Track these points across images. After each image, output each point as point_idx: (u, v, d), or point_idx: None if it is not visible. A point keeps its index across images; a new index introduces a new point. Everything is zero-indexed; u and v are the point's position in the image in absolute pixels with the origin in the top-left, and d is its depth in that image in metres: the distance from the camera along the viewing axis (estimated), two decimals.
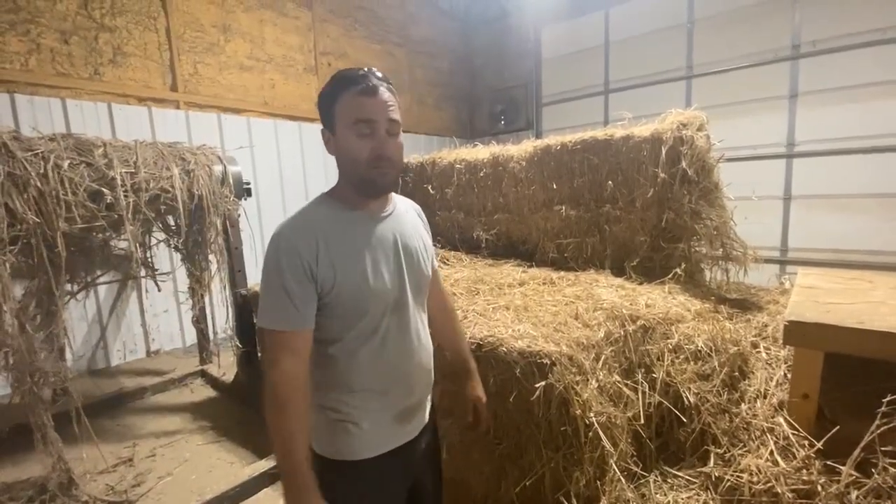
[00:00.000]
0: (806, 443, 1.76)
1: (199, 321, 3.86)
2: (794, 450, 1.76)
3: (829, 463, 1.66)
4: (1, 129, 2.23)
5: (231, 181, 3.17)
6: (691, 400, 2.02)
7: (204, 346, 4.01)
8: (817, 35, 4.75)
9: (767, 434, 1.88)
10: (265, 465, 2.51)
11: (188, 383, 3.85)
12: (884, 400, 1.56)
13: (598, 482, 1.73)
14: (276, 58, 5.29)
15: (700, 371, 2.15)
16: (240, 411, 3.30)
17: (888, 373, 1.74)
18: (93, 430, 2.40)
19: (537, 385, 1.71)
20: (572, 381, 1.73)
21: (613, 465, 1.74)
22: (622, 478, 1.76)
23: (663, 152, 2.79)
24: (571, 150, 3.24)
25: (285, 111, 5.39)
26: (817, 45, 4.76)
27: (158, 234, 3.35)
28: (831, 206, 4.83)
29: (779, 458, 1.75)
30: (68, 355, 3.12)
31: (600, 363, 1.88)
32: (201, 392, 3.72)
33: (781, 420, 1.88)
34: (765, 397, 2.08)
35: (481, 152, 4.02)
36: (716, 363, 2.16)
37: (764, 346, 2.40)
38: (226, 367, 3.74)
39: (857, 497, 1.52)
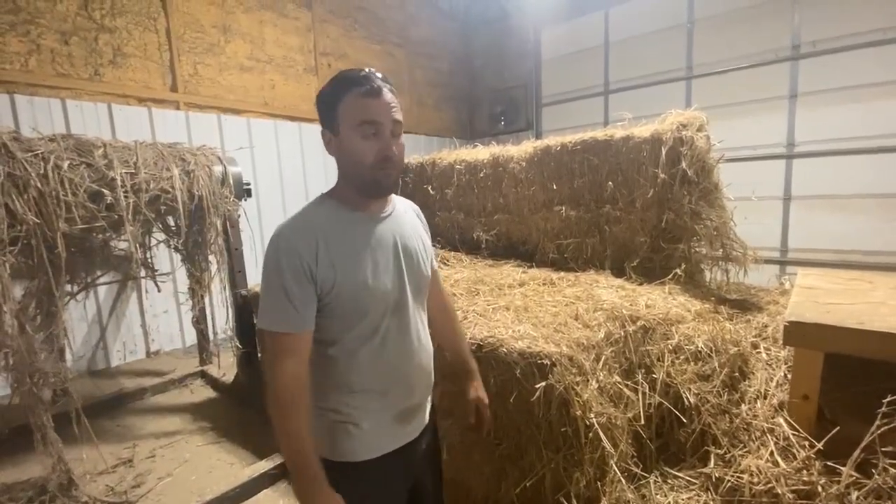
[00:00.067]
0: (806, 443, 1.76)
1: (199, 322, 3.86)
2: (795, 450, 1.76)
3: (829, 464, 1.66)
4: (1, 130, 2.23)
5: (231, 182, 3.17)
6: (691, 400, 2.02)
7: (204, 346, 4.01)
8: (817, 35, 4.76)
9: (768, 435, 1.88)
10: (265, 465, 2.50)
11: (188, 384, 3.85)
12: (884, 400, 1.56)
13: (599, 483, 1.73)
14: (276, 58, 5.29)
15: (700, 372, 2.15)
16: (240, 412, 3.30)
17: (888, 373, 1.74)
18: (93, 430, 2.39)
19: (537, 386, 1.71)
20: (572, 381, 1.73)
21: (614, 465, 1.74)
22: (622, 478, 1.76)
23: (663, 153, 2.79)
24: (571, 151, 3.24)
25: (285, 112, 5.39)
26: (817, 46, 4.76)
27: (158, 235, 3.35)
28: (831, 206, 4.83)
29: (779, 459, 1.75)
30: (68, 356, 3.12)
31: (600, 364, 1.88)
32: (201, 393, 3.72)
33: (782, 421, 1.88)
34: (765, 398, 2.08)
35: (481, 153, 4.02)
36: (716, 364, 2.16)
37: (764, 347, 2.40)
38: (226, 367, 3.74)
39: (858, 498, 1.52)
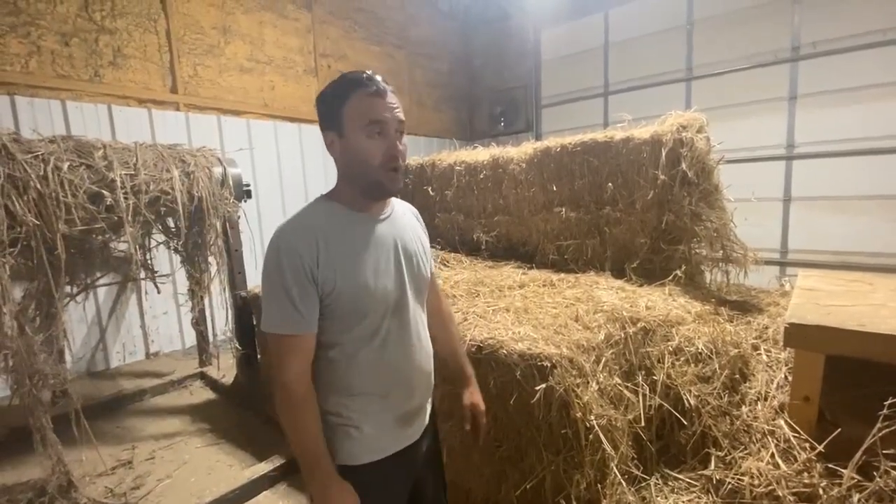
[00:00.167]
0: (807, 445, 1.75)
1: (199, 323, 3.86)
2: (796, 452, 1.76)
3: (830, 466, 1.65)
4: (1, 131, 2.23)
5: (231, 183, 3.17)
6: (692, 402, 2.02)
7: (203, 348, 4.00)
8: (817, 37, 4.76)
9: (768, 437, 1.87)
10: (265, 467, 2.50)
11: (188, 385, 3.84)
12: (885, 403, 1.55)
13: (599, 485, 1.73)
14: (276, 59, 5.30)
15: (700, 373, 2.15)
16: (239, 413, 3.30)
17: (889, 375, 1.73)
18: (92, 432, 2.39)
19: (538, 388, 1.70)
20: (573, 383, 1.72)
21: (614, 467, 1.74)
22: (623, 481, 1.76)
23: (663, 154, 2.79)
24: (571, 152, 3.24)
25: (285, 113, 5.40)
26: (817, 47, 4.76)
27: (158, 236, 3.35)
28: (831, 207, 4.83)
29: (780, 461, 1.75)
30: (68, 357, 3.12)
31: (601, 365, 1.87)
32: (201, 394, 3.72)
33: (782, 422, 1.88)
34: (765, 400, 2.08)
35: (481, 154, 4.02)
36: (716, 365, 2.16)
37: (764, 349, 2.40)
38: (225, 369, 3.74)
39: (859, 500, 1.52)
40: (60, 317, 2.39)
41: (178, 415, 3.34)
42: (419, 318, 1.25)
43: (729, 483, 1.76)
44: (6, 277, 2.11)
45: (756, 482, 1.71)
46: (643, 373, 2.04)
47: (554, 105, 6.99)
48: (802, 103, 4.93)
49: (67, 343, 2.66)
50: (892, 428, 1.52)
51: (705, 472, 1.88)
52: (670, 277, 2.76)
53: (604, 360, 1.90)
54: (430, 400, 1.32)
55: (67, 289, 2.80)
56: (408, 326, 1.19)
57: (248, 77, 5.04)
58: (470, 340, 1.96)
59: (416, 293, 1.23)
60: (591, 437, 1.71)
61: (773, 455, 1.78)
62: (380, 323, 1.13)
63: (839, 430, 1.70)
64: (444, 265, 3.53)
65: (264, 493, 2.44)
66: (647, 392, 1.97)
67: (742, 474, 1.77)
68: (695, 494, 1.83)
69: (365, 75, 1.08)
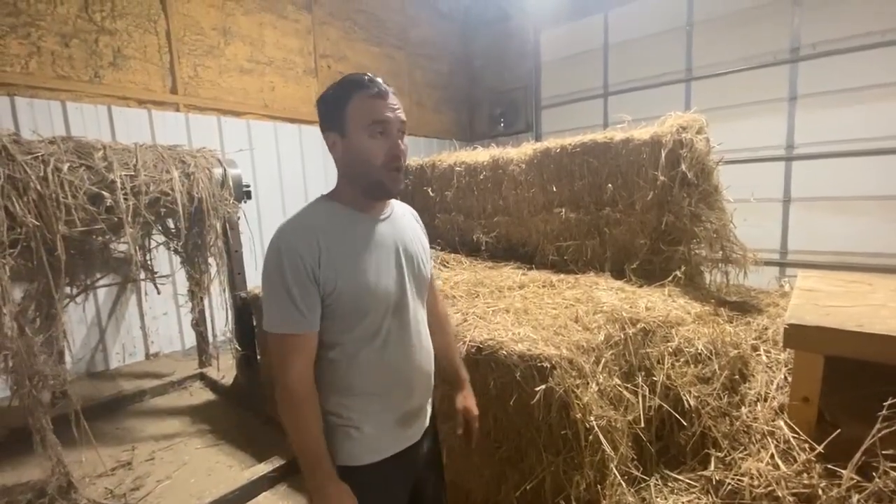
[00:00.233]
0: (806, 446, 1.76)
1: (199, 324, 3.86)
2: (795, 453, 1.76)
3: (829, 466, 1.65)
4: (1, 132, 2.23)
5: (231, 184, 3.17)
6: (691, 403, 2.02)
7: (203, 348, 4.00)
8: (816, 38, 4.76)
9: (768, 437, 1.88)
10: (264, 468, 2.50)
11: (187, 386, 3.84)
12: (884, 403, 1.56)
13: (599, 486, 1.73)
14: (276, 60, 5.30)
15: (700, 374, 2.15)
16: (239, 414, 3.30)
17: (888, 376, 1.74)
18: (92, 433, 2.39)
19: (537, 388, 1.70)
20: (572, 384, 1.73)
21: (614, 468, 1.74)
22: (622, 482, 1.76)
23: (663, 155, 2.79)
24: (571, 153, 3.24)
25: (285, 114, 5.40)
26: (817, 48, 4.77)
27: (158, 237, 3.36)
28: (831, 208, 4.83)
29: (779, 462, 1.75)
30: (67, 358, 3.12)
31: (600, 366, 1.87)
32: (200, 395, 3.72)
33: (782, 423, 1.88)
34: (765, 400, 2.08)
35: (481, 155, 4.02)
36: (716, 366, 2.16)
37: (764, 349, 2.40)
38: (225, 369, 3.74)
39: (858, 501, 1.52)
40: (60, 318, 2.40)
41: (178, 416, 3.34)
42: (420, 318, 1.26)
43: (729, 484, 1.76)
44: (6, 278, 2.11)
45: (756, 483, 1.71)
46: (643, 374, 2.04)
47: (554, 106, 7.00)
48: (802, 104, 4.93)
49: (67, 344, 2.66)
50: (892, 428, 1.52)
51: (705, 472, 1.88)
52: (670, 278, 2.76)
53: (603, 360, 1.90)
54: (430, 401, 1.32)
55: (67, 290, 2.80)
56: (408, 326, 1.19)
57: (248, 78, 5.04)
58: (470, 341, 1.96)
59: (417, 293, 1.24)
60: (590, 437, 1.71)
61: (772, 456, 1.78)
62: (380, 323, 1.13)
63: (838, 430, 1.70)
64: (444, 266, 3.53)
65: (264, 493, 2.44)
66: (647, 393, 1.97)
67: (742, 475, 1.77)
68: (694, 495, 1.83)
69: (367, 77, 1.09)
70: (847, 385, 1.99)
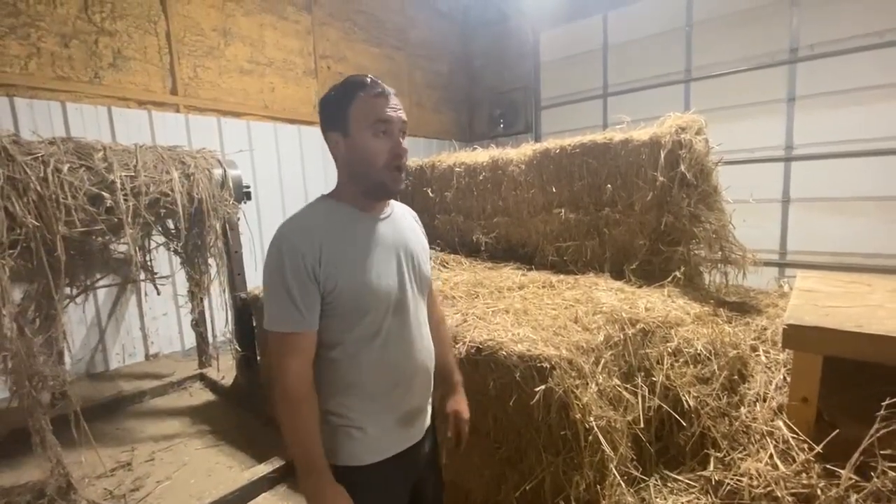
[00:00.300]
0: (805, 446, 1.76)
1: (199, 324, 3.86)
2: (794, 453, 1.76)
3: (828, 466, 1.66)
4: (1, 133, 2.23)
5: (231, 185, 3.17)
6: (691, 403, 2.02)
7: (203, 349, 4.00)
8: (815, 39, 4.77)
9: (767, 438, 1.88)
10: (264, 469, 2.50)
11: (187, 387, 3.84)
12: (883, 403, 1.56)
13: (598, 486, 1.73)
14: (276, 61, 5.30)
15: (699, 374, 2.15)
16: (239, 415, 3.30)
17: (887, 376, 1.74)
18: (91, 433, 2.39)
19: (537, 389, 1.71)
20: (572, 384, 1.73)
21: (613, 469, 1.74)
22: (622, 482, 1.76)
23: (662, 156, 2.80)
24: (570, 154, 3.25)
25: (285, 115, 5.40)
26: (815, 49, 4.78)
27: (158, 238, 3.36)
28: (830, 209, 4.84)
29: (778, 462, 1.75)
30: (67, 359, 3.12)
31: (600, 367, 1.88)
32: (200, 396, 3.72)
33: (781, 424, 1.88)
34: (764, 401, 2.08)
35: (480, 155, 4.03)
36: (715, 367, 2.16)
37: (763, 350, 2.41)
38: (225, 370, 3.74)
39: (857, 501, 1.52)
40: (60, 318, 2.40)
41: (178, 416, 3.34)
42: (421, 316, 1.26)
43: (728, 484, 1.77)
44: (6, 279, 2.11)
45: (755, 483, 1.71)
46: (642, 374, 2.04)
47: (553, 107, 7.00)
48: (801, 105, 4.94)
49: (67, 344, 2.66)
50: (890, 429, 1.53)
51: (704, 472, 1.89)
52: (669, 279, 2.77)
53: (603, 361, 1.90)
54: (430, 400, 1.33)
55: (67, 290, 2.80)
56: (409, 325, 1.20)
57: (248, 79, 5.05)
58: (469, 342, 1.96)
59: (418, 292, 1.24)
60: (590, 438, 1.71)
61: (771, 456, 1.79)
62: (381, 321, 1.14)
63: (837, 430, 1.70)
64: (444, 266, 3.53)
65: (264, 494, 2.44)
66: (647, 393, 1.98)
67: (741, 475, 1.77)
68: (694, 495, 1.83)
69: (369, 78, 1.11)
70: (846, 385, 1.99)
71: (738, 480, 1.76)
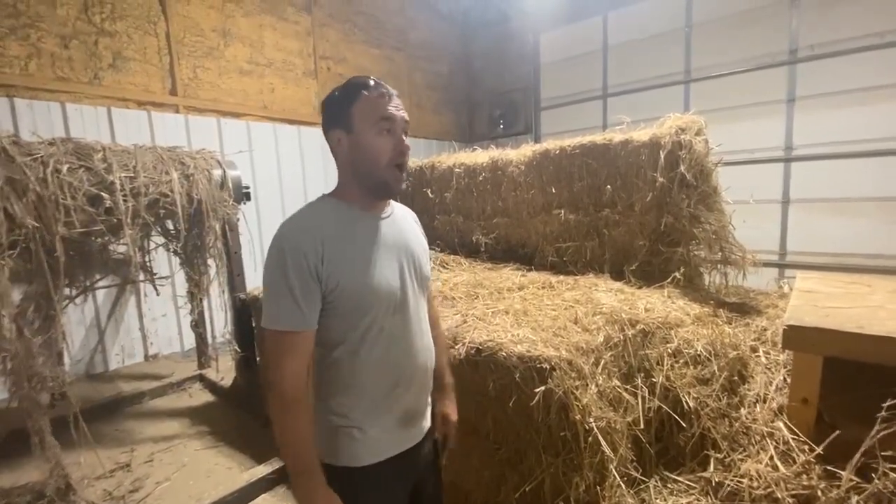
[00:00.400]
0: (806, 447, 1.75)
1: (198, 325, 3.86)
2: (794, 454, 1.76)
3: (829, 468, 1.65)
4: (0, 134, 2.23)
5: (230, 185, 3.17)
6: (691, 404, 2.02)
7: (202, 350, 4.00)
8: (814, 40, 4.77)
9: (767, 439, 1.87)
10: (263, 470, 2.50)
11: (186, 388, 3.84)
12: (883, 405, 1.55)
13: (598, 487, 1.73)
14: (276, 62, 5.31)
15: (699, 375, 2.15)
16: (238, 416, 3.29)
17: (887, 377, 1.74)
18: (91, 434, 2.38)
19: (537, 390, 1.70)
20: (572, 385, 1.72)
21: (613, 470, 1.74)
22: (622, 483, 1.76)
23: (662, 156, 2.80)
24: (570, 155, 3.24)
25: (284, 115, 5.40)
26: (815, 50, 4.78)
27: (157, 239, 3.36)
28: (830, 209, 4.84)
29: (779, 463, 1.75)
30: (66, 360, 3.12)
31: (600, 368, 1.87)
32: (200, 396, 3.71)
33: (781, 425, 1.88)
34: (764, 402, 2.08)
35: (480, 156, 4.03)
36: (715, 367, 2.16)
37: (763, 351, 2.40)
38: (224, 371, 3.73)
39: (858, 502, 1.51)
40: (59, 319, 2.39)
41: (177, 417, 3.34)
42: (422, 315, 1.26)
43: (728, 485, 1.76)
44: (5, 280, 2.11)
45: (755, 484, 1.71)
46: (642, 375, 2.04)
47: (553, 107, 7.00)
48: (800, 106, 4.94)
49: (66, 345, 2.66)
50: (891, 430, 1.52)
51: (704, 474, 1.88)
52: (669, 279, 2.76)
53: (603, 362, 1.90)
54: (429, 401, 1.32)
55: (66, 291, 2.80)
56: (410, 325, 1.20)
57: (247, 79, 5.05)
58: (469, 343, 1.96)
59: (419, 291, 1.25)
60: (590, 439, 1.70)
61: (771, 457, 1.78)
62: (382, 320, 1.14)
63: (838, 432, 1.69)
64: (444, 267, 3.53)
65: (263, 496, 2.44)
66: (646, 394, 1.97)
67: (741, 476, 1.77)
68: (694, 496, 1.83)
69: (372, 80, 1.13)
70: (846, 386, 1.98)
71: (738, 482, 1.75)
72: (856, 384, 1.97)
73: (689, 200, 2.82)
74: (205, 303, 3.70)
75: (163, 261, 3.93)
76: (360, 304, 1.10)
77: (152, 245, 3.39)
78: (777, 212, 5.14)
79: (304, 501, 1.06)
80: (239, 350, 3.30)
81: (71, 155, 2.43)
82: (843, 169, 4.72)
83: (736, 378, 2.22)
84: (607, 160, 3.09)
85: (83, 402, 3.18)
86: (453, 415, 1.44)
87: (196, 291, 3.43)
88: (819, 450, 1.70)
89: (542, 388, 1.70)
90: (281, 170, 5.33)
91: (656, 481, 1.93)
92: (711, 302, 2.73)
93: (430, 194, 4.29)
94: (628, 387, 1.96)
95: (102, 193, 2.46)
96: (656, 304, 2.40)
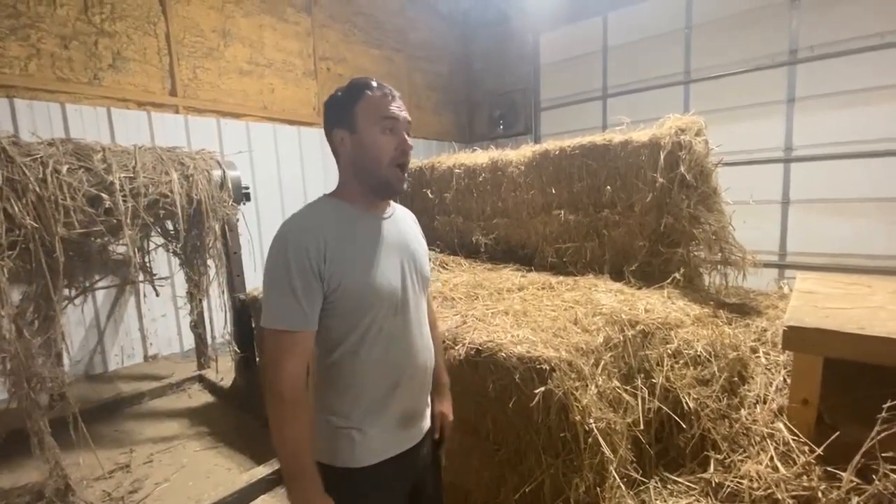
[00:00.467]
0: (806, 448, 1.75)
1: (198, 326, 3.85)
2: (795, 456, 1.75)
3: (829, 469, 1.65)
4: (0, 134, 2.23)
5: (230, 186, 3.17)
6: (691, 405, 2.02)
7: (202, 350, 4.00)
8: (814, 40, 4.78)
9: (767, 440, 1.87)
10: (263, 471, 2.49)
11: (186, 388, 3.83)
12: (884, 406, 1.55)
13: (598, 489, 1.72)
14: (276, 63, 5.31)
15: (699, 376, 2.14)
16: (237, 417, 3.29)
17: (888, 378, 1.74)
18: (90, 435, 2.38)
19: (536, 391, 1.70)
20: (571, 386, 1.72)
21: (613, 471, 1.73)
22: (622, 484, 1.75)
23: (662, 157, 2.80)
24: (570, 155, 3.24)
25: (284, 116, 5.40)
26: (815, 51, 4.78)
27: (157, 239, 3.35)
28: (830, 210, 4.84)
29: (779, 464, 1.75)
30: (65, 360, 3.12)
31: (599, 368, 1.87)
32: (199, 397, 3.71)
33: (781, 426, 1.88)
34: (764, 403, 2.07)
35: (480, 157, 4.03)
36: (715, 368, 2.16)
37: (763, 351, 2.40)
38: (224, 371, 3.73)
39: (858, 503, 1.51)
40: (58, 320, 2.39)
41: (177, 418, 3.33)
42: (422, 315, 1.26)
43: (728, 486, 1.76)
44: (4, 280, 2.11)
45: (755, 485, 1.71)
46: (642, 376, 2.04)
47: (553, 108, 7.01)
48: (800, 106, 4.94)
49: (65, 346, 2.66)
50: (891, 431, 1.52)
51: (704, 475, 1.88)
52: (669, 280, 2.76)
53: (602, 363, 1.89)
54: (429, 402, 1.32)
55: (66, 292, 2.80)
56: (410, 325, 1.20)
57: (247, 80, 5.05)
58: (469, 343, 1.96)
59: (419, 291, 1.25)
60: (589, 440, 1.70)
61: (772, 458, 1.78)
62: (383, 321, 1.14)
63: (838, 433, 1.69)
64: (444, 268, 3.53)
65: (262, 496, 2.43)
66: (646, 395, 1.97)
67: (741, 477, 1.77)
68: (694, 497, 1.83)
69: (375, 81, 1.14)
70: (846, 387, 1.98)
71: (738, 483, 1.75)
72: (856, 385, 1.97)
73: (689, 201, 2.82)
74: (204, 303, 3.70)
75: (162, 261, 3.93)
76: (362, 304, 1.10)
77: (152, 245, 3.38)
78: (777, 212, 5.14)
79: None
80: (238, 351, 3.30)
81: (70, 155, 2.43)
82: (842, 169, 4.72)
83: (736, 379, 2.22)
84: (607, 161, 3.09)
85: (82, 402, 3.18)
86: (451, 415, 1.45)
87: (195, 292, 3.43)
88: (819, 451, 1.70)
89: (542, 388, 1.70)
90: (280, 170, 5.33)
91: (656, 482, 1.93)
92: (711, 303, 2.73)
93: (429, 195, 4.28)
94: (628, 388, 1.96)
95: (102, 194, 2.46)
96: (656, 304, 2.40)
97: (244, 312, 3.31)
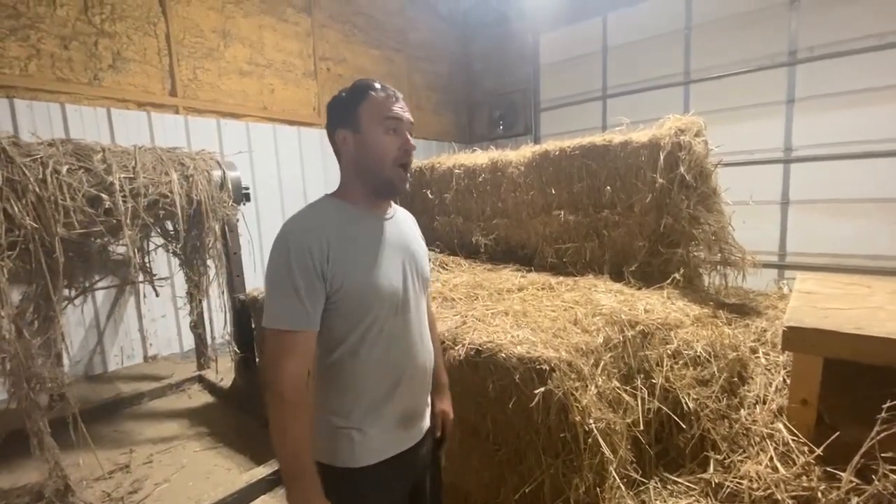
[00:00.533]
0: (806, 449, 1.75)
1: (197, 326, 3.85)
2: (794, 456, 1.76)
3: (829, 469, 1.65)
4: (0, 135, 2.23)
5: (230, 186, 3.17)
6: (690, 406, 2.02)
7: (202, 351, 3.99)
8: (814, 41, 4.78)
9: (767, 440, 1.87)
10: (263, 471, 2.49)
11: (186, 389, 3.83)
12: (883, 406, 1.55)
13: (598, 489, 1.72)
14: (276, 63, 5.31)
15: (699, 376, 2.15)
16: (237, 417, 3.29)
17: (887, 378, 1.74)
18: (89, 436, 2.38)
19: (536, 391, 1.70)
20: (571, 387, 1.72)
21: (613, 471, 1.73)
22: (622, 484, 1.76)
23: (661, 158, 2.80)
24: (570, 156, 3.25)
25: (284, 116, 5.40)
26: (814, 51, 4.79)
27: (157, 240, 3.36)
28: (829, 210, 4.84)
29: (778, 465, 1.75)
30: (65, 361, 3.11)
31: (599, 369, 1.87)
32: (199, 398, 3.71)
33: (781, 426, 1.88)
34: (764, 403, 2.08)
35: (480, 157, 4.03)
36: (715, 369, 2.16)
37: (763, 352, 2.40)
38: (223, 372, 3.73)
39: (858, 503, 1.51)
40: (58, 320, 2.39)
41: (176, 418, 3.33)
42: (422, 316, 1.27)
43: (728, 486, 1.76)
44: (4, 281, 2.11)
45: (755, 485, 1.71)
46: (642, 376, 2.04)
47: (553, 108, 7.01)
48: (800, 107, 4.95)
49: (65, 346, 2.66)
50: (891, 431, 1.52)
51: (704, 475, 1.88)
52: (669, 280, 2.76)
53: (602, 363, 1.90)
54: (428, 402, 1.32)
55: (65, 292, 2.80)
56: (411, 325, 1.20)
57: (247, 80, 5.05)
58: (469, 344, 1.96)
59: (420, 292, 1.25)
60: (589, 440, 1.70)
61: (771, 458, 1.78)
62: (383, 321, 1.14)
63: (837, 433, 1.69)
64: (443, 268, 3.53)
65: (262, 497, 2.43)
66: (646, 395, 1.97)
67: (741, 478, 1.77)
68: (693, 498, 1.83)
69: (379, 83, 1.15)
70: (846, 388, 1.98)
71: (738, 483, 1.75)
72: (855, 385, 1.97)
73: (689, 201, 2.82)
74: (204, 304, 3.70)
75: (162, 262, 3.93)
76: (363, 304, 1.10)
77: (152, 246, 3.39)
78: (776, 213, 5.14)
79: None
80: (238, 351, 3.30)
81: (70, 156, 2.43)
82: (842, 170, 4.72)
83: (736, 379, 2.22)
84: (607, 161, 3.09)
85: (82, 403, 3.17)
86: (451, 413, 1.45)
87: (195, 292, 3.43)
88: (819, 451, 1.70)
89: (542, 389, 1.70)
90: (280, 171, 5.33)
91: (656, 483, 1.93)
92: (711, 303, 2.74)
93: (429, 195, 4.28)
94: (628, 388, 1.96)
95: (102, 194, 2.46)
96: (656, 305, 2.40)
97: (244, 313, 3.31)
